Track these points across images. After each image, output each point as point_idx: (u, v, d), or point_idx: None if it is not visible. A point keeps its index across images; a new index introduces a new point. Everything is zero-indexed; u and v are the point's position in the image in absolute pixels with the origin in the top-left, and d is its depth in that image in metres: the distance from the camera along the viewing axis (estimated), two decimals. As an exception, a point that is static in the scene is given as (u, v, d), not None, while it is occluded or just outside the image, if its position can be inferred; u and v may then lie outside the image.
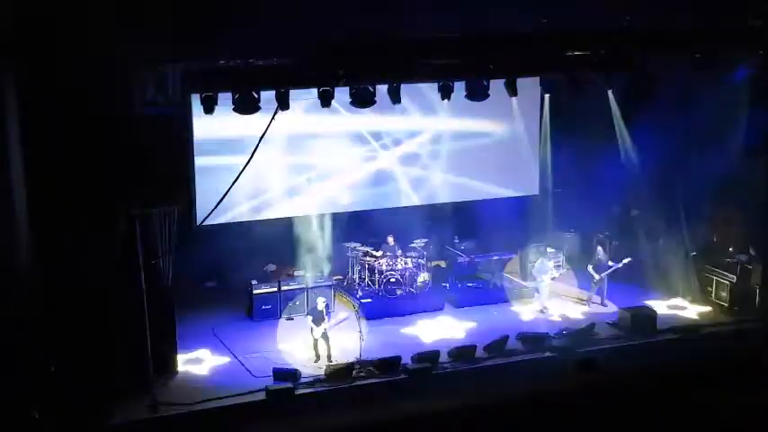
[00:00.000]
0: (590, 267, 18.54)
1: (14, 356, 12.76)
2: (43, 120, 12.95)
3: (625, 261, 18.38)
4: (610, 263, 18.38)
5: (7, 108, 12.78)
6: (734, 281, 18.00)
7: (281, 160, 18.83)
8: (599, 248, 18.82)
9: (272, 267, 18.99)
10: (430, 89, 18.28)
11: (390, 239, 19.16)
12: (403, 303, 18.39)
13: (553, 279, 18.58)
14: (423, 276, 19.00)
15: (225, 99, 15.05)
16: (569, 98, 19.89)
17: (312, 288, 17.98)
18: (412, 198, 20.37)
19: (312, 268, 18.67)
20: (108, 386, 13.51)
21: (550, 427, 13.53)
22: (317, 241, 19.05)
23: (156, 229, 14.54)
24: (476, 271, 19.91)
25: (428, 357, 15.40)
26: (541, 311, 18.24)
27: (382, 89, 16.12)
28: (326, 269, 18.91)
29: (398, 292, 18.63)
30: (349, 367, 14.99)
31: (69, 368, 13.19)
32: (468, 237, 20.48)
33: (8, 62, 12.64)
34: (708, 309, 18.29)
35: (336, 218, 19.54)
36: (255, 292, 17.80)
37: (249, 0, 13.66)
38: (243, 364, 15.47)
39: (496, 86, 17.13)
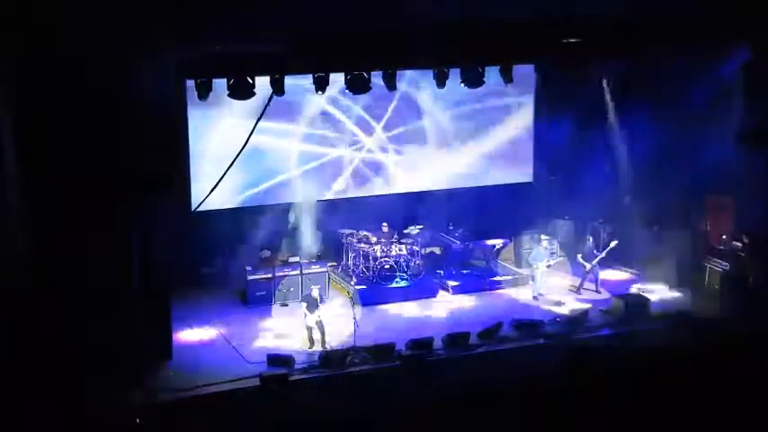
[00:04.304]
0: (579, 257, 18.65)
1: (11, 347, 12.77)
2: (37, 108, 12.90)
3: (611, 245, 18.44)
4: (595, 252, 18.45)
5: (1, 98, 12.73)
6: (727, 268, 18.06)
7: (276, 145, 18.87)
8: (589, 237, 18.86)
9: (266, 253, 18.97)
10: (423, 75, 18.28)
11: (385, 226, 19.16)
12: (397, 290, 18.40)
13: (548, 266, 18.62)
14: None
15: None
16: (565, 85, 19.93)
17: (306, 274, 18.00)
18: (406, 184, 20.36)
19: (306, 254, 18.69)
20: (103, 372, 13.51)
21: (544, 414, 13.59)
22: (312, 227, 19.06)
23: (151, 216, 14.54)
24: (470, 258, 19.95)
25: (422, 344, 15.45)
26: (535, 298, 18.30)
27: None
28: (322, 255, 18.96)
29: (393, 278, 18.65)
30: (343, 354, 15.02)
31: (64, 355, 13.19)
32: (463, 223, 20.48)
33: (3, 51, 12.57)
34: (701, 296, 18.36)
35: (331, 204, 19.55)
36: (250, 277, 17.81)
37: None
38: (237, 351, 15.49)
39: (491, 73, 17.15)
